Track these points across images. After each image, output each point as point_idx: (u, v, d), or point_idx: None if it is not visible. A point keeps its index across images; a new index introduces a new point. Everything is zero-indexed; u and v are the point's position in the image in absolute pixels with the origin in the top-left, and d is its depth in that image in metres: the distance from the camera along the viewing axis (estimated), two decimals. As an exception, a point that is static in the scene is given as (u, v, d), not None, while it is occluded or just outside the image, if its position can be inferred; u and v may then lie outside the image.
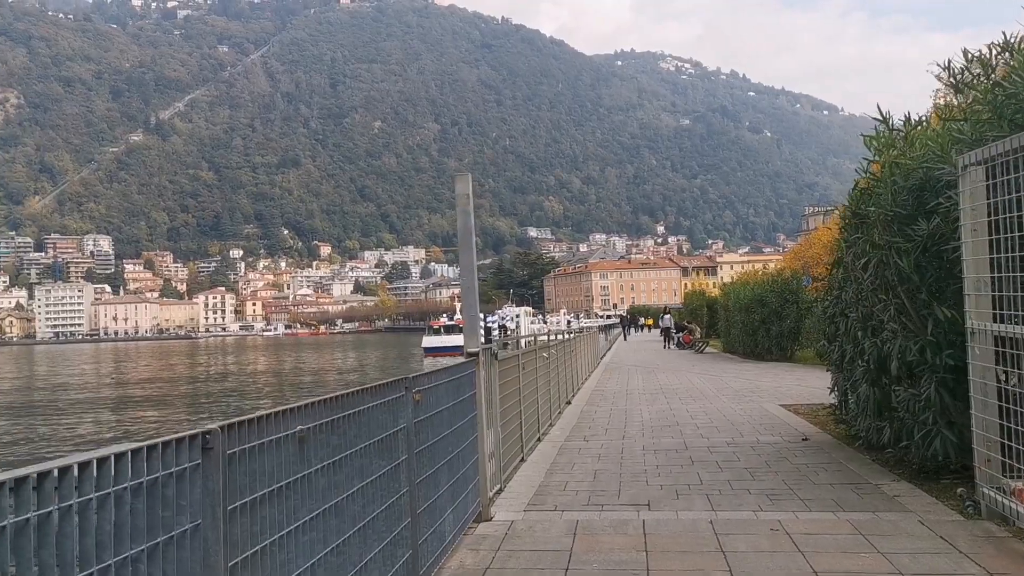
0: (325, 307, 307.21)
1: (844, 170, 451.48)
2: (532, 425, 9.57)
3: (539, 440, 9.98)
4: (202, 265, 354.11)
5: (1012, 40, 6.47)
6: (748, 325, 27.56)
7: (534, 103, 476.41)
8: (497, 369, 7.25)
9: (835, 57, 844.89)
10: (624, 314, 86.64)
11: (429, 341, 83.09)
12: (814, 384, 17.39)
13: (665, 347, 41.40)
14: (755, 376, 20.37)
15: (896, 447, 7.24)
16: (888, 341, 7.05)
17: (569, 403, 14.77)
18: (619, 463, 8.37)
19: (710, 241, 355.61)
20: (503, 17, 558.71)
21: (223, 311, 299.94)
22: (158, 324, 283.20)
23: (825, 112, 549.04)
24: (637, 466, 8.19)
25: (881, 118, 7.47)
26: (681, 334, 41.78)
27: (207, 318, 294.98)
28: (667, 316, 53.43)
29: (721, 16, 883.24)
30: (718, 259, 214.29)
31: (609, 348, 40.00)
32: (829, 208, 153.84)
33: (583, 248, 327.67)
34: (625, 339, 52.21)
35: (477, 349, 6.08)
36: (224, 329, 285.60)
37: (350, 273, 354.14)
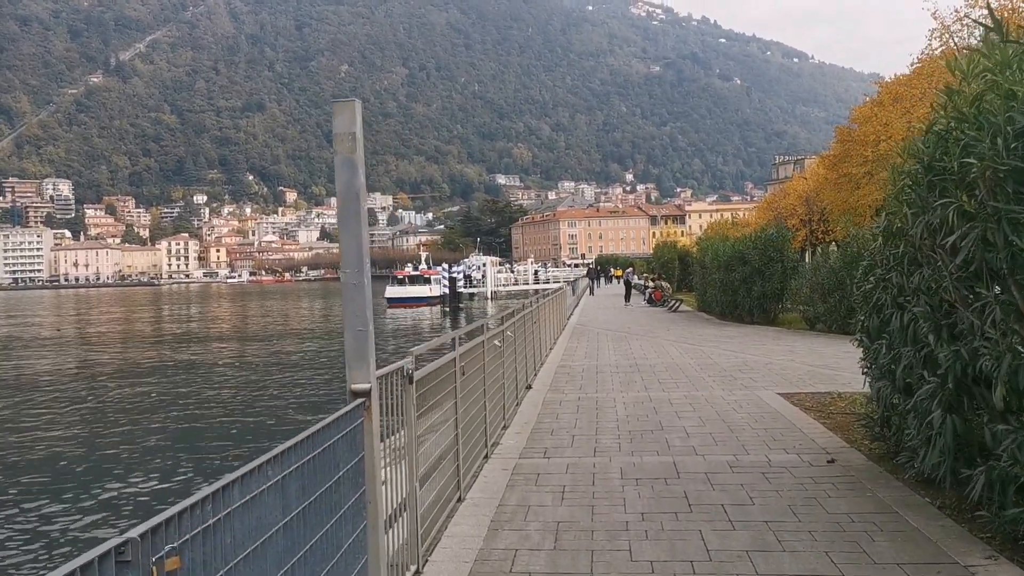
0: (291, 254, 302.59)
1: (813, 119, 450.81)
2: (477, 442, 7.31)
3: (486, 458, 7.72)
4: (165, 211, 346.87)
5: None
6: (727, 284, 25.43)
7: (504, 48, 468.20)
8: (415, 393, 4.93)
9: (806, 4, 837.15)
10: (592, 264, 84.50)
11: (392, 291, 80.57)
12: (807, 359, 15.32)
13: (627, 303, 39.18)
14: (740, 346, 18.26)
15: (992, 507, 5.03)
16: (984, 353, 4.83)
17: (530, 387, 12.53)
18: (590, 508, 6.12)
19: (679, 189, 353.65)
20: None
21: (186, 257, 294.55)
22: (120, 270, 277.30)
23: (795, 60, 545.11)
24: (615, 513, 5.95)
25: (993, 24, 5.09)
26: (651, 290, 39.77)
27: (170, 264, 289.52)
28: (629, 271, 51.39)
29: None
30: (687, 208, 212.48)
31: (576, 304, 37.81)
32: (799, 157, 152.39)
33: (552, 196, 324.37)
34: (592, 293, 49.77)
35: (367, 386, 3.71)
36: (187, 276, 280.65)
37: (316, 220, 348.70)
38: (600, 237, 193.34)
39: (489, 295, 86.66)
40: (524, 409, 10.63)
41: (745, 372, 13.69)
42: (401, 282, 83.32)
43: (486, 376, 7.86)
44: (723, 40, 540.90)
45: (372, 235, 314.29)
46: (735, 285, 24.73)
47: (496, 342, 8.87)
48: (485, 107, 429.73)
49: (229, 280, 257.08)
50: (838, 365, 14.18)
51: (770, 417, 9.62)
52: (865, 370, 7.79)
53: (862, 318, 7.52)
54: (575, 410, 10.50)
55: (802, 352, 16.56)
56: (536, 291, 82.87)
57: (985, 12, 22.58)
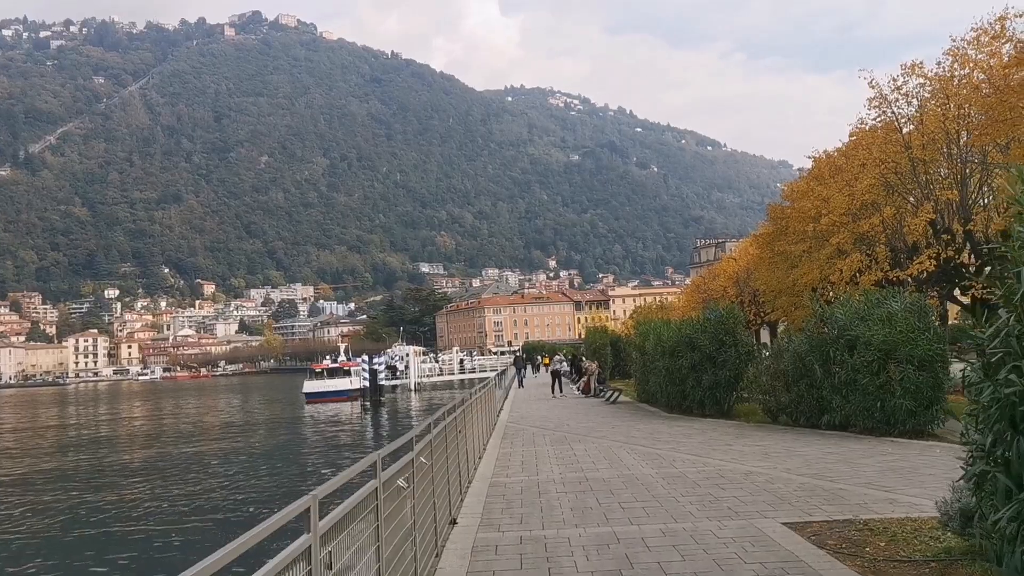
0: (208, 348, 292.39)
1: (728, 204, 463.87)
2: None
3: None
4: (74, 306, 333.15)
5: None
6: (674, 372, 22.89)
7: (425, 138, 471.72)
8: None
9: (718, 95, 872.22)
10: (519, 352, 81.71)
11: (310, 386, 76.31)
12: (791, 464, 12.70)
13: (553, 394, 36.30)
14: (702, 447, 15.58)
15: None
16: None
17: (455, 522, 9.55)
18: None
19: (600, 275, 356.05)
20: (393, 52, 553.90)
21: (95, 354, 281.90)
22: (23, 370, 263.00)
23: (709, 147, 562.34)
24: None
25: None
26: (583, 380, 37.20)
27: (77, 362, 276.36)
28: (557, 357, 48.89)
29: (608, 54, 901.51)
30: (610, 292, 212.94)
31: (506, 397, 34.87)
32: (720, 240, 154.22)
33: (476, 283, 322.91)
34: (521, 385, 46.59)
35: None
36: (96, 374, 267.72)
37: (235, 312, 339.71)
38: (526, 324, 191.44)
39: (413, 387, 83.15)
40: (447, 565, 7.65)
41: (725, 488, 10.95)
42: (319, 375, 79.21)
43: (382, 539, 4.97)
44: (639, 129, 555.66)
45: (292, 327, 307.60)
46: (683, 373, 22.20)
47: (401, 481, 5.98)
48: (407, 196, 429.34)
49: (141, 377, 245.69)
50: (835, 474, 11.59)
51: (792, 568, 6.86)
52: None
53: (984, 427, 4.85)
54: (518, 566, 7.56)
55: (779, 454, 13.96)
56: (462, 381, 79.79)
57: (921, 81, 20.89)
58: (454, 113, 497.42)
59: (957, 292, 28.06)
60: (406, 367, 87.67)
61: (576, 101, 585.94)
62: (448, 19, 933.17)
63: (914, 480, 10.89)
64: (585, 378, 36.88)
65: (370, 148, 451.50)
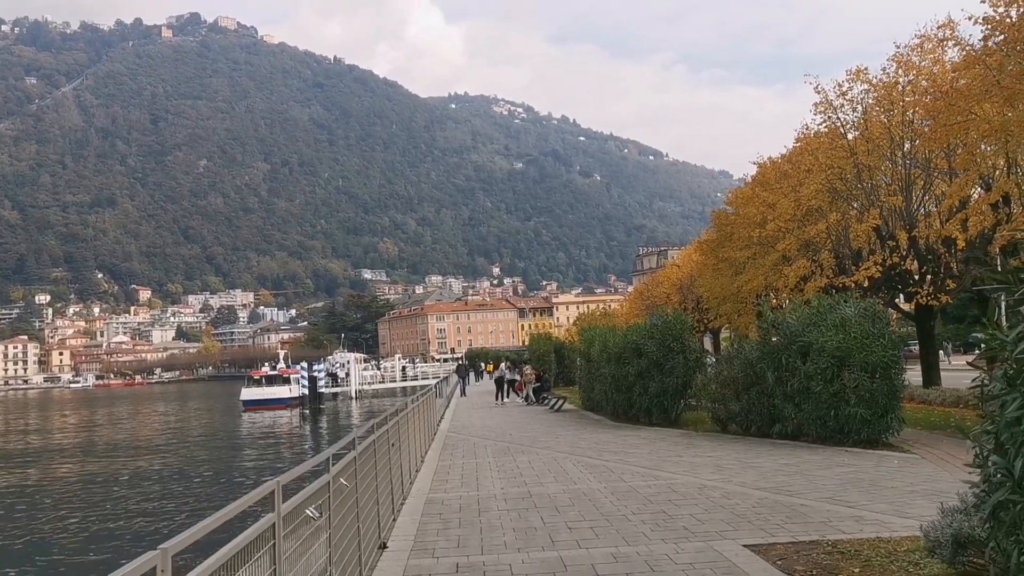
0: (143, 355, 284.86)
1: (670, 213, 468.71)
2: None
3: None
4: (2, 312, 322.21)
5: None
6: (620, 380, 22.22)
7: (368, 144, 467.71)
8: None
9: (660, 106, 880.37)
10: (462, 360, 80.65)
11: (248, 393, 74.30)
12: (746, 477, 12.03)
13: (497, 402, 35.60)
14: (651, 458, 14.87)
15: None
16: None
17: (384, 547, 8.63)
18: None
19: (544, 282, 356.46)
20: (335, 57, 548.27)
21: (25, 362, 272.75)
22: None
23: (651, 157, 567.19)
24: None
25: None
26: (519, 382, 36.69)
27: (6, 370, 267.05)
28: (503, 365, 48.19)
29: (552, 63, 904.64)
30: (554, 300, 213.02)
31: (447, 405, 33.91)
32: (662, 248, 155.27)
33: (419, 290, 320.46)
34: (463, 393, 45.53)
35: None
36: (26, 382, 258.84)
37: (172, 319, 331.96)
38: (469, 331, 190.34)
39: (353, 394, 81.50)
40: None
41: (679, 504, 10.21)
42: (258, 383, 77.21)
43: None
44: (582, 138, 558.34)
45: (232, 333, 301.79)
46: (630, 381, 21.53)
47: (311, 511, 5.08)
48: (350, 202, 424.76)
49: (72, 385, 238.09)
50: (794, 488, 10.94)
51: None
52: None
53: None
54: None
55: (733, 466, 13.30)
56: (404, 388, 78.54)
57: (866, 87, 20.59)
58: (397, 119, 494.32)
59: (900, 299, 28.00)
60: (347, 374, 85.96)
61: (520, 109, 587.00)
62: (392, 25, 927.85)
63: (877, 494, 10.29)
64: (520, 381, 36.45)
65: (312, 153, 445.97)
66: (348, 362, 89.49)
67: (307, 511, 4.96)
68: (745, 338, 19.29)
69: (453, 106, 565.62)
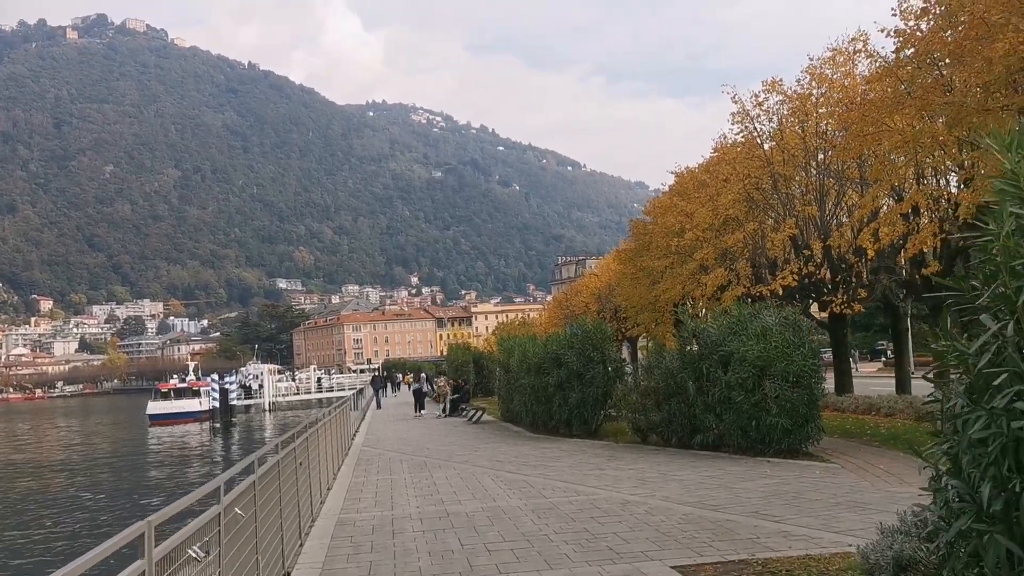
0: (44, 368, 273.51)
1: (588, 223, 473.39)
2: None
3: None
4: None
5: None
6: (540, 390, 21.85)
7: (283, 151, 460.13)
8: None
9: (578, 116, 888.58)
10: (378, 371, 79.34)
11: (155, 407, 71.70)
12: (671, 492, 11.72)
13: (415, 413, 34.99)
14: (572, 472, 14.47)
15: None
16: None
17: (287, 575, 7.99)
18: None
19: (463, 292, 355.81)
20: (250, 62, 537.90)
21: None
22: None
23: (570, 168, 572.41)
24: None
25: None
26: (435, 394, 36.25)
27: None
28: (423, 376, 47.46)
29: (471, 72, 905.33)
30: (473, 309, 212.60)
31: (363, 418, 33.06)
32: (581, 258, 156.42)
33: (336, 300, 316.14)
34: (379, 405, 44.30)
35: None
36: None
37: (75, 330, 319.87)
38: (387, 341, 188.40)
39: (267, 407, 79.41)
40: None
41: (602, 522, 9.80)
42: (165, 396, 74.58)
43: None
44: (501, 148, 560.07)
45: (139, 345, 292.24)
46: (549, 391, 21.16)
47: (194, 550, 4.46)
48: (264, 210, 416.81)
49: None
50: (718, 502, 10.65)
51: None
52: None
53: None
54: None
55: (655, 479, 12.99)
56: (320, 400, 76.87)
57: (781, 98, 20.74)
58: (314, 127, 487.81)
59: (814, 308, 28.39)
60: (260, 386, 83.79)
61: (439, 118, 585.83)
62: (309, 31, 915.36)
63: (802, 507, 10.07)
64: (435, 393, 36.03)
65: (225, 160, 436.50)
66: (261, 373, 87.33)
67: (190, 551, 4.34)
68: (663, 347, 19.09)
69: (371, 114, 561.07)
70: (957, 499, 3.51)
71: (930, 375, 3.85)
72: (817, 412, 14.61)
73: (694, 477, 12.95)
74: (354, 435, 24.49)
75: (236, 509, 5.67)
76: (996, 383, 3.13)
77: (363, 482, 14.80)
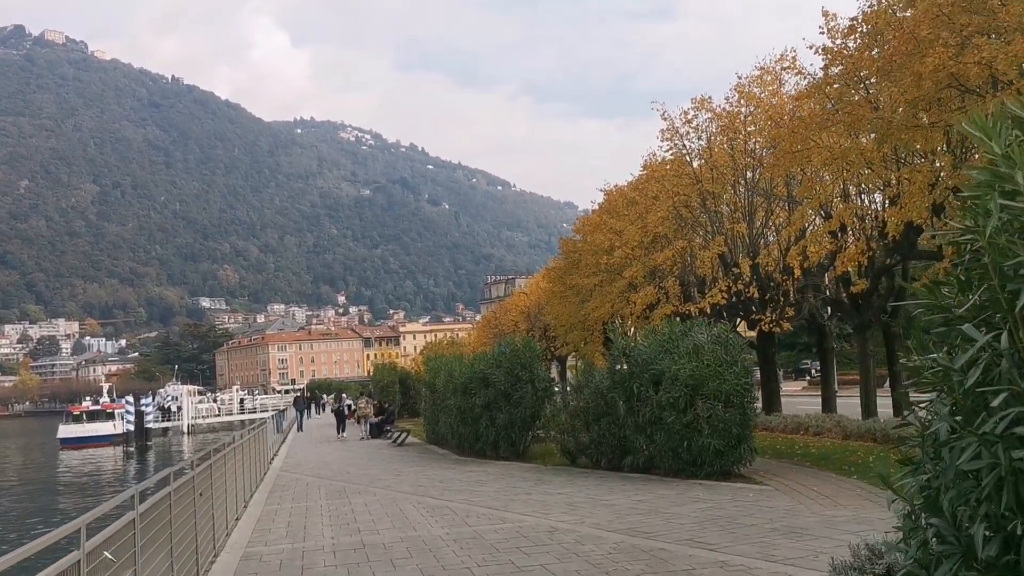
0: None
1: (517, 242, 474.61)
2: None
3: None
4: None
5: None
6: (466, 411, 21.18)
7: (208, 167, 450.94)
8: None
9: (507, 136, 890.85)
10: (302, 391, 77.46)
11: (66, 430, 68.73)
12: (602, 518, 11.16)
13: (337, 435, 33.93)
14: (498, 497, 13.83)
15: None
16: None
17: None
18: None
19: (391, 311, 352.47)
20: (173, 76, 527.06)
21: None
22: None
23: (499, 187, 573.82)
24: None
25: None
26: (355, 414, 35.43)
27: None
28: (343, 396, 46.30)
29: (400, 90, 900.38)
30: (401, 329, 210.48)
31: (283, 440, 31.88)
32: (510, 277, 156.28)
33: (260, 319, 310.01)
34: (301, 429, 42.61)
35: None
36: None
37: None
38: (312, 361, 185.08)
39: (186, 429, 76.80)
40: None
41: (529, 552, 9.17)
42: (78, 419, 71.55)
43: None
44: (431, 166, 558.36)
45: (53, 366, 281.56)
46: (476, 412, 20.51)
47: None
48: (188, 227, 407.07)
49: None
50: (651, 528, 10.13)
51: None
52: None
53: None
54: None
55: (585, 504, 12.43)
56: (243, 422, 74.79)
57: (709, 116, 20.61)
58: (240, 143, 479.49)
59: (742, 327, 28.37)
60: (179, 408, 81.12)
61: (368, 136, 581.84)
62: (235, 46, 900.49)
63: (737, 534, 9.60)
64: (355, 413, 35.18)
65: (146, 176, 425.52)
66: (180, 395, 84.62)
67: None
68: (593, 366, 18.64)
69: (299, 131, 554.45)
70: (938, 541, 3.01)
71: (899, 394, 3.32)
72: (750, 433, 14.27)
73: (625, 502, 12.43)
74: (272, 459, 23.43)
75: (105, 552, 4.89)
76: (994, 404, 2.63)
77: (276, 510, 13.91)
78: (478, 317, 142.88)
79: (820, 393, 28.45)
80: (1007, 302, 2.80)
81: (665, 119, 26.52)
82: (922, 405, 3.28)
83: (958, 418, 2.88)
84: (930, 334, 3.28)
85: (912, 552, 3.19)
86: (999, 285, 2.85)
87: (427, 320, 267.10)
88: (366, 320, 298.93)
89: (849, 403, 26.34)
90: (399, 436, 28.52)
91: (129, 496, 5.86)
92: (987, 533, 2.70)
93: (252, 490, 15.92)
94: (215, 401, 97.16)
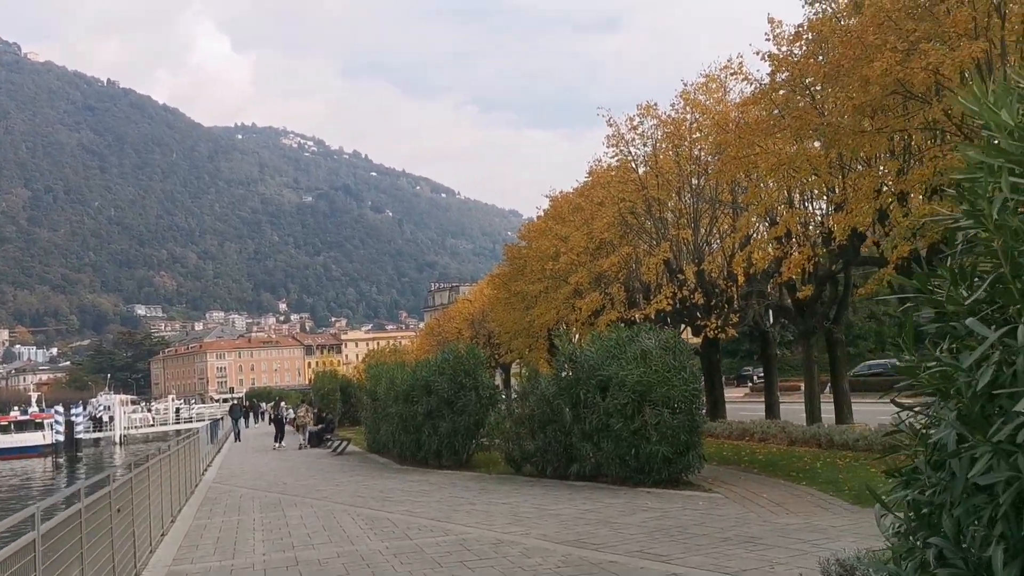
0: None
1: (461, 250, 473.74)
2: None
3: None
4: None
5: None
6: (408, 420, 20.63)
7: (145, 172, 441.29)
8: None
9: (452, 144, 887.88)
10: (240, 400, 75.80)
11: (-8, 441, 66.18)
12: (548, 528, 10.77)
13: (275, 445, 32.94)
14: (440, 507, 13.35)
15: None
16: None
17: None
18: None
19: (333, 319, 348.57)
20: (109, 79, 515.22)
21: None
22: None
23: (443, 195, 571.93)
24: None
25: None
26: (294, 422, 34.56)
27: None
28: (282, 404, 45.29)
29: (344, 97, 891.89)
30: (343, 336, 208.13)
31: (218, 450, 30.90)
32: (454, 284, 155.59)
33: (199, 327, 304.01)
34: (238, 439, 41.18)
35: None
36: None
37: None
38: (252, 369, 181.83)
39: (118, 439, 74.60)
40: None
41: (472, 567, 8.71)
42: (5, 429, 68.95)
43: None
44: (375, 173, 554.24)
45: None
46: (418, 420, 19.98)
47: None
48: (123, 233, 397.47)
49: None
50: (599, 539, 9.75)
51: None
52: None
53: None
54: None
55: (531, 515, 12.01)
56: (178, 431, 72.98)
57: (655, 122, 20.44)
58: (178, 148, 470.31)
59: (686, 333, 28.29)
60: (111, 418, 78.81)
61: (310, 142, 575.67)
62: (174, 50, 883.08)
63: (689, 544, 9.28)
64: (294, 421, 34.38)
65: (80, 180, 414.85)
66: (113, 404, 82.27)
67: None
68: (538, 373, 18.30)
69: (240, 136, 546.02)
70: (939, 562, 2.66)
71: (896, 398, 2.97)
72: (698, 439, 14.02)
73: (572, 511, 12.06)
74: (205, 470, 22.58)
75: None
76: (1018, 407, 2.28)
77: (206, 525, 13.23)
78: (421, 325, 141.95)
79: (763, 399, 28.51)
80: (1021, 293, 2.47)
81: (611, 125, 26.38)
82: (916, 410, 2.95)
83: (968, 425, 2.54)
84: (925, 331, 2.95)
85: (907, 574, 2.84)
86: (1011, 274, 2.52)
87: (369, 328, 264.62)
88: (308, 328, 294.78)
89: (790, 408, 26.47)
90: (339, 445, 27.82)
91: (29, 515, 5.29)
92: (1007, 556, 2.35)
93: (181, 504, 15.19)
94: (149, 411, 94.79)
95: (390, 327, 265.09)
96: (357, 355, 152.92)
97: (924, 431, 2.81)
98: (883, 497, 3.05)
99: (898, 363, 2.95)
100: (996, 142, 2.68)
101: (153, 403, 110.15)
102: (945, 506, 2.63)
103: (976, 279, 2.80)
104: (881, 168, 16.87)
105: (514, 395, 19.27)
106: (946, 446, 2.55)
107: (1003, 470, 2.35)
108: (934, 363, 2.70)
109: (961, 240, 2.87)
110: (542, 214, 34.73)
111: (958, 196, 2.84)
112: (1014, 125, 2.53)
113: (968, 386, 2.53)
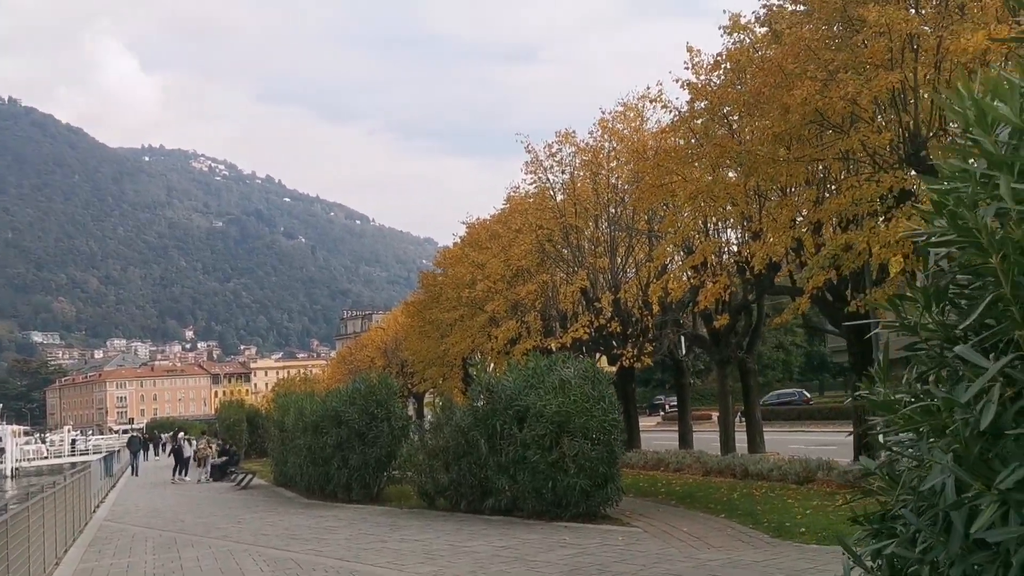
0: None
1: (375, 278, 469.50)
2: None
3: None
4: None
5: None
6: (317, 452, 19.78)
7: (44, 193, 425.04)
8: None
9: (367, 171, 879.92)
10: (140, 431, 72.67)
11: None
12: (463, 567, 10.24)
13: (174, 479, 31.34)
14: (349, 546, 12.64)
15: None
16: None
17: None
18: None
19: (243, 347, 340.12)
20: (10, 97, 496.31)
21: None
22: None
23: (358, 222, 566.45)
24: None
25: None
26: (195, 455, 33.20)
27: None
28: (181, 435, 43.47)
29: (258, 121, 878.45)
30: (252, 365, 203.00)
31: (113, 485, 29.27)
32: (367, 312, 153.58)
33: (99, 355, 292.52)
34: (136, 473, 38.81)
35: None
36: None
37: None
38: (155, 399, 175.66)
39: (9, 473, 70.65)
40: None
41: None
42: None
43: None
44: (288, 199, 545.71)
45: None
46: (327, 453, 19.16)
47: None
48: (19, 256, 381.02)
49: None
50: (518, 582, 9.26)
51: None
52: None
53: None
54: None
55: (444, 552, 11.42)
56: (74, 464, 69.53)
57: (573, 150, 20.27)
58: (81, 169, 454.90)
59: (602, 362, 28.13)
60: (2, 450, 74.69)
61: (222, 166, 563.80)
62: (79, 68, 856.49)
63: (611, 583, 8.86)
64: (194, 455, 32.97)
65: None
66: (4, 436, 77.97)
67: None
68: (452, 403, 17.76)
69: (147, 159, 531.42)
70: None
71: (884, 434, 2.57)
72: (617, 471, 13.68)
73: (487, 549, 11.52)
74: (97, 506, 21.22)
75: None
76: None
77: (93, 568, 12.22)
78: (333, 353, 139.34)
79: (677, 428, 28.50)
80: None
81: (529, 151, 26.22)
82: (896, 448, 2.57)
83: (967, 470, 2.15)
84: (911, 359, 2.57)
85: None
86: (1012, 295, 2.15)
87: (280, 356, 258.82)
88: (215, 356, 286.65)
89: (703, 437, 26.54)
90: (244, 478, 26.63)
91: None
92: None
93: (68, 544, 14.08)
94: (43, 442, 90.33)
95: (301, 355, 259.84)
96: (267, 384, 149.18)
97: (910, 473, 2.42)
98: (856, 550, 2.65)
99: (871, 396, 2.57)
100: (983, 145, 2.33)
101: (48, 434, 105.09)
102: (943, 564, 2.23)
103: (946, 303, 2.46)
104: (797, 198, 16.99)
105: (427, 426, 18.66)
106: (944, 494, 2.16)
107: (1015, 525, 1.97)
108: (913, 399, 2.32)
109: (948, 260, 2.50)
110: (459, 241, 34.31)
111: (935, 210, 2.47)
112: (1017, 120, 2.17)
113: (966, 424, 2.15)
